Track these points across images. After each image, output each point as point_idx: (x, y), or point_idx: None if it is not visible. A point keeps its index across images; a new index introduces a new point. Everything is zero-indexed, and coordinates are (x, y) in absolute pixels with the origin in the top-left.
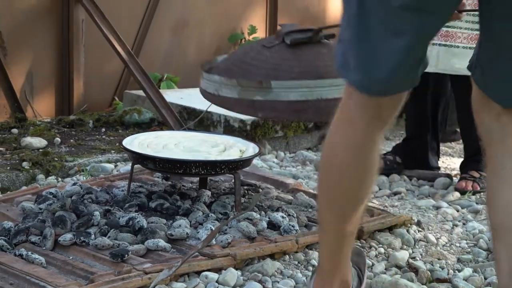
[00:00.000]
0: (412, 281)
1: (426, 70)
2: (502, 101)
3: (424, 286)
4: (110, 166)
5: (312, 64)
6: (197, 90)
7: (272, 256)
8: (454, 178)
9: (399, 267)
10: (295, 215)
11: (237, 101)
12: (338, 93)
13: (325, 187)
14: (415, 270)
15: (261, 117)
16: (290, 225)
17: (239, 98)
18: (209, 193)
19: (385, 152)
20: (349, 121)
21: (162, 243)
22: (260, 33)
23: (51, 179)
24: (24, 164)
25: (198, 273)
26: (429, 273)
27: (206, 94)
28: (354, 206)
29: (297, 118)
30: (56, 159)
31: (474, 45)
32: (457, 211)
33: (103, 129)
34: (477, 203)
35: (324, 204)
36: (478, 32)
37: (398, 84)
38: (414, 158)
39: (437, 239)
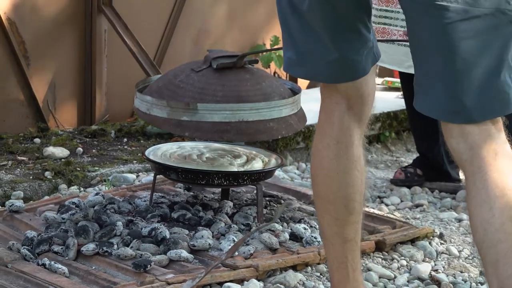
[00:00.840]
0: None
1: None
2: (445, 116)
3: None
4: (132, 176)
5: (235, 89)
6: None
7: (294, 268)
8: None
9: (421, 279)
10: (317, 226)
11: (166, 120)
12: (258, 116)
13: (315, 190)
14: (438, 282)
15: (187, 136)
16: (312, 236)
17: (168, 117)
18: (231, 204)
19: (406, 164)
20: (325, 118)
21: (184, 253)
22: None
23: (73, 189)
24: (47, 173)
25: (221, 284)
26: (452, 286)
27: (139, 112)
28: (345, 206)
29: (220, 138)
30: (78, 169)
31: None
32: None
33: (125, 139)
34: None
35: (318, 209)
36: None
37: (337, 75)
38: (434, 170)
39: (459, 251)
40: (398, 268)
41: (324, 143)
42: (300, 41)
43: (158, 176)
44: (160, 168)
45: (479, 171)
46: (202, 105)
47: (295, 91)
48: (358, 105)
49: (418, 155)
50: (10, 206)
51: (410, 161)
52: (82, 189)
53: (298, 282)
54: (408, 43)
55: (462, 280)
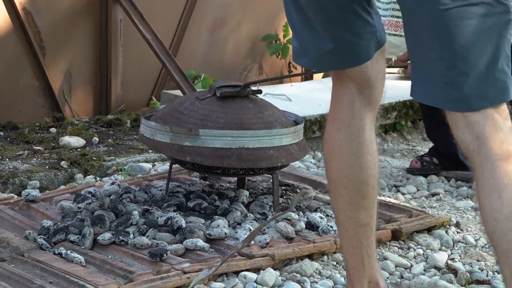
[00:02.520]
0: (451, 282)
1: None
2: (442, 103)
3: (463, 287)
4: (148, 165)
5: (237, 117)
6: None
7: (310, 257)
8: None
9: (438, 268)
10: (333, 215)
11: (168, 145)
12: (259, 143)
13: (329, 175)
14: (454, 271)
15: (189, 161)
16: (328, 225)
17: (171, 143)
18: (247, 193)
19: (422, 153)
20: (336, 103)
21: (200, 242)
22: None
23: (89, 178)
24: (63, 163)
25: (237, 273)
26: (468, 275)
27: (143, 138)
28: (358, 191)
29: (220, 164)
30: (94, 158)
31: None
32: None
33: None
34: None
35: (332, 194)
36: None
37: (339, 63)
38: (450, 159)
39: (476, 240)
40: (415, 257)
41: (336, 128)
42: (301, 32)
43: (174, 166)
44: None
45: (487, 161)
46: (203, 131)
47: (298, 122)
48: (367, 89)
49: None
50: (27, 195)
51: (426, 150)
52: (98, 178)
53: (314, 271)
54: None
55: (479, 268)
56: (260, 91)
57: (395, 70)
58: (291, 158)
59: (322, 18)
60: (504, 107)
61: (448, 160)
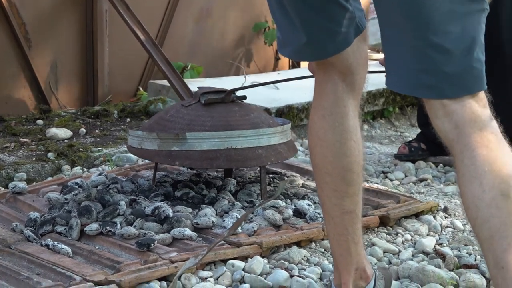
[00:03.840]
0: (439, 267)
1: None
2: (417, 91)
3: (452, 272)
4: (133, 155)
5: (223, 119)
6: (222, 79)
7: (298, 244)
8: None
9: (426, 253)
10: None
11: (157, 152)
12: (246, 143)
13: (313, 163)
14: (442, 256)
15: (178, 165)
16: (316, 212)
17: (159, 149)
18: (234, 181)
19: (410, 139)
20: (319, 91)
21: (188, 232)
22: None
23: (77, 169)
24: (50, 155)
25: (225, 261)
26: (456, 259)
27: (131, 149)
28: (343, 178)
29: (209, 166)
30: (81, 149)
31: None
32: None
33: (128, 119)
34: None
35: (317, 181)
36: None
37: (318, 52)
38: (438, 145)
39: (464, 225)
40: (403, 243)
41: (319, 115)
42: (281, 22)
43: None
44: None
45: (466, 149)
46: (190, 134)
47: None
48: (349, 76)
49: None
50: (13, 187)
51: (414, 136)
52: (85, 169)
53: (302, 258)
54: None
55: (467, 253)
56: (245, 97)
57: (382, 56)
58: (280, 157)
59: (300, 6)
60: (482, 95)
61: (436, 145)
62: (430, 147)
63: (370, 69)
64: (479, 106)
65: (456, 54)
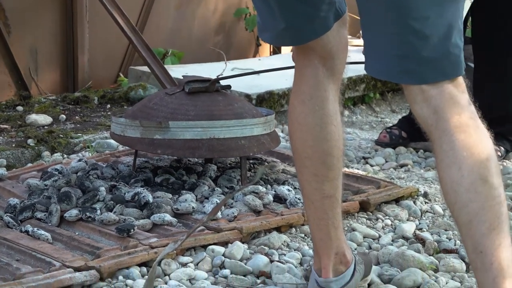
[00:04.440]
0: (419, 252)
1: None
2: (395, 77)
3: (431, 257)
4: (116, 142)
5: (207, 108)
6: (202, 65)
7: (278, 229)
8: None
9: (406, 238)
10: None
11: (139, 140)
12: (229, 133)
13: (293, 147)
14: (422, 241)
15: (160, 154)
16: (296, 198)
17: (141, 137)
18: (215, 167)
19: (391, 125)
20: (299, 75)
21: (168, 217)
22: None
23: (57, 156)
24: (30, 141)
25: (205, 247)
26: (436, 244)
27: (114, 136)
28: (323, 162)
29: (191, 155)
30: (62, 136)
31: None
32: None
33: (108, 106)
34: None
35: (297, 166)
36: None
37: (297, 37)
38: (419, 130)
39: (444, 210)
40: (383, 228)
41: (299, 100)
42: (260, 8)
43: None
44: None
45: (445, 134)
46: (173, 123)
47: (269, 115)
48: (329, 60)
49: (402, 115)
50: None
51: (395, 122)
52: (65, 156)
53: (282, 244)
54: None
55: (447, 238)
56: (229, 87)
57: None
58: (262, 148)
59: None
60: (461, 80)
61: (416, 131)
62: (411, 134)
63: (350, 54)
64: (458, 91)
65: (434, 40)
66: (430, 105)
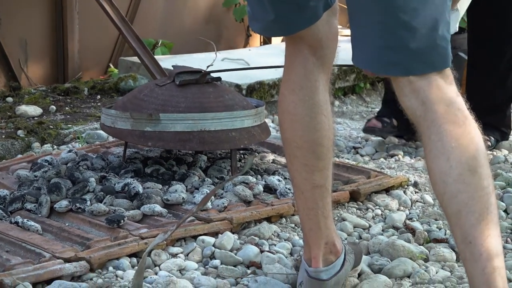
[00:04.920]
0: (409, 241)
1: None
2: (382, 69)
3: (421, 246)
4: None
5: (197, 100)
6: (192, 56)
7: (268, 220)
8: None
9: (396, 228)
10: None
11: (130, 132)
12: (220, 126)
13: (283, 137)
14: (412, 231)
15: (151, 146)
16: (286, 188)
17: (132, 129)
18: (205, 158)
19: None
20: (289, 65)
21: (158, 208)
22: None
23: (47, 147)
24: (19, 132)
25: (195, 237)
26: (426, 234)
27: (104, 127)
28: (313, 152)
29: (182, 148)
30: (52, 127)
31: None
32: None
33: (98, 96)
34: None
35: (287, 156)
36: None
37: (287, 27)
38: (409, 120)
39: (434, 199)
40: (373, 218)
41: (289, 89)
42: None
43: None
44: None
45: (433, 124)
46: (164, 115)
47: (260, 106)
48: (319, 50)
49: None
50: None
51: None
52: (55, 147)
53: (272, 234)
54: None
55: (437, 227)
56: (219, 78)
57: None
58: (253, 140)
59: None
60: (448, 72)
61: (407, 120)
62: (401, 123)
63: (340, 44)
64: (446, 83)
65: (421, 31)
66: (418, 97)
